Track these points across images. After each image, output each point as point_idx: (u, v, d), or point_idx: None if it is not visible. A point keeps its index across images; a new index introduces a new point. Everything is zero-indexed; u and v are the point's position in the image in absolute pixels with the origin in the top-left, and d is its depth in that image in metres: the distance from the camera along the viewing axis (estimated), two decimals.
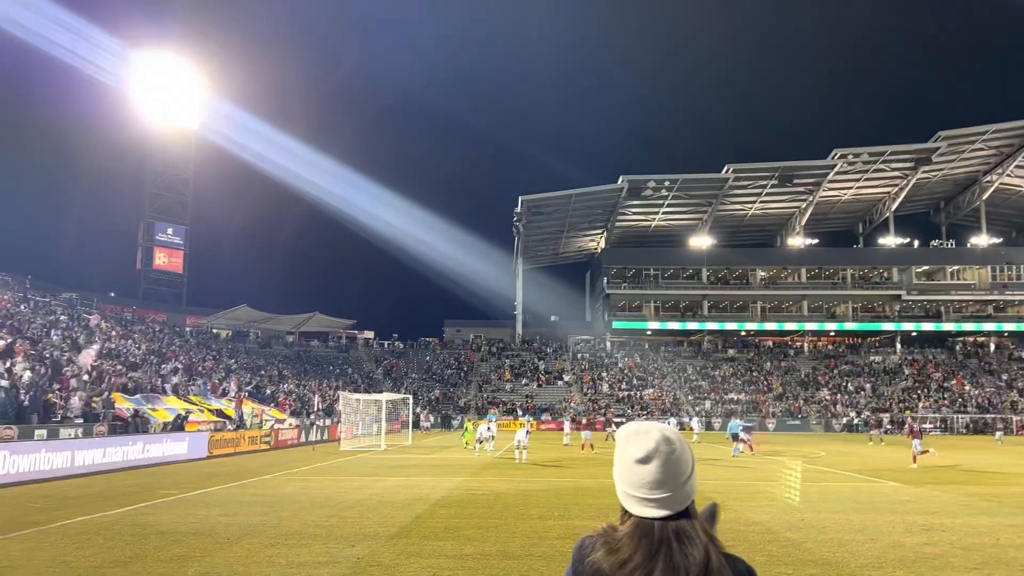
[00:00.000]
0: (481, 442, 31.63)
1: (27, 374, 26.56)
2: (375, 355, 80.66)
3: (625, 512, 1.80)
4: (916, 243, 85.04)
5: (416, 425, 52.42)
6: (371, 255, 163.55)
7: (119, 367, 35.57)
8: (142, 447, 24.41)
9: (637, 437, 1.80)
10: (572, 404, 66.88)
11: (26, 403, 24.24)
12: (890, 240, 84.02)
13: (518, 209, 75.74)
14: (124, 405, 29.92)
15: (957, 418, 62.27)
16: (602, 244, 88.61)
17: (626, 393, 69.55)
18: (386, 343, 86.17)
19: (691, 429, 46.76)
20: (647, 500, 1.74)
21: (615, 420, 50.97)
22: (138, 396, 32.34)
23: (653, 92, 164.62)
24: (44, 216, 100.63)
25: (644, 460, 1.76)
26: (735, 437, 31.26)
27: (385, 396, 40.35)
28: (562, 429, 43.55)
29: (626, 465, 1.79)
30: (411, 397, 48.01)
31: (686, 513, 1.76)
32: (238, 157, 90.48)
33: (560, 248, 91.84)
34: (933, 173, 79.16)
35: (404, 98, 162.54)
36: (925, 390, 68.86)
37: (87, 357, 33.98)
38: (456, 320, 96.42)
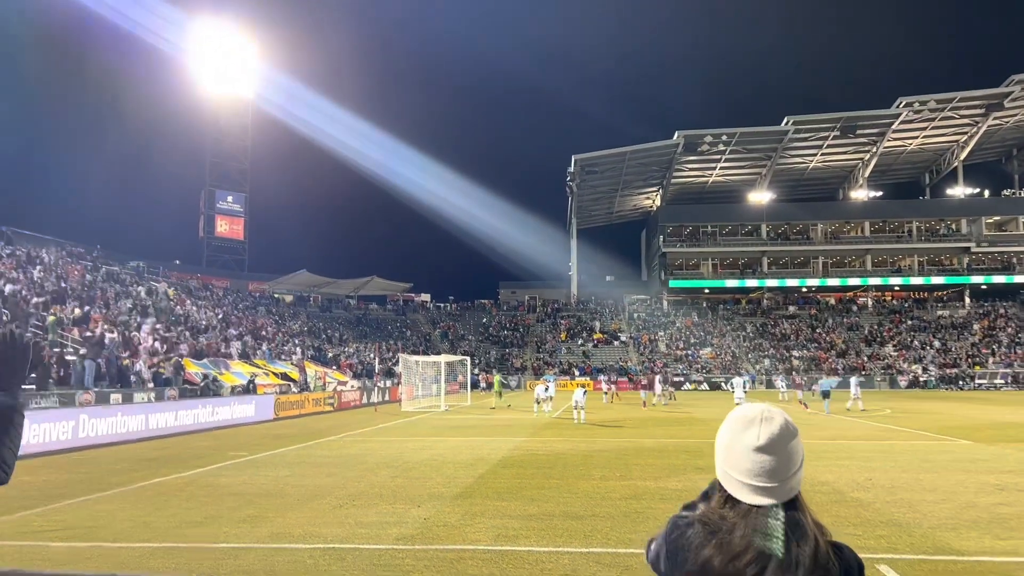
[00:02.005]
0: (539, 402, 31.81)
1: (106, 338, 27.58)
2: (432, 317, 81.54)
3: (728, 497, 1.70)
4: (986, 193, 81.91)
5: (476, 386, 53.08)
6: (426, 218, 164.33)
7: (187, 333, 36.66)
8: (212, 410, 25.21)
9: (760, 424, 1.69)
10: (630, 363, 66.75)
11: (103, 369, 25.20)
12: (958, 191, 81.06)
13: (572, 168, 75.11)
14: (193, 370, 30.88)
15: None
16: (658, 202, 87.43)
17: (684, 352, 69.08)
18: (442, 305, 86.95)
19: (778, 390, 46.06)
20: (760, 488, 1.64)
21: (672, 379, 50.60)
22: (205, 361, 33.34)
23: (709, 45, 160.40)
24: (110, 187, 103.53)
25: (765, 449, 1.65)
26: (826, 395, 31.45)
27: (444, 358, 40.90)
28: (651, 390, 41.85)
29: (742, 452, 1.68)
30: (468, 359, 48.49)
31: (796, 501, 1.67)
32: (292, 127, 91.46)
33: (615, 207, 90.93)
34: (1005, 119, 75.74)
35: (457, 61, 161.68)
36: (996, 345, 66.73)
37: (155, 325, 35.09)
38: (511, 282, 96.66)
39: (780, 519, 1.63)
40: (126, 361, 27.22)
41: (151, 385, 26.61)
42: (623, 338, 73.72)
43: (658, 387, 39.28)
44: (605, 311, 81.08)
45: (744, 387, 31.34)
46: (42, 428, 17.53)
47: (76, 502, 11.21)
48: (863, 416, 28.72)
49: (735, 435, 1.72)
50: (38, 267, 36.16)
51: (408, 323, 78.16)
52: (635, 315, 79.89)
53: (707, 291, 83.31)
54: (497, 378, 40.74)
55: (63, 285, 34.67)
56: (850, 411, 30.72)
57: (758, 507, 1.65)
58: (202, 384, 29.15)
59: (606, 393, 42.38)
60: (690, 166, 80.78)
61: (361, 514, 10.13)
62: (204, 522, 9.67)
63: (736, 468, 1.69)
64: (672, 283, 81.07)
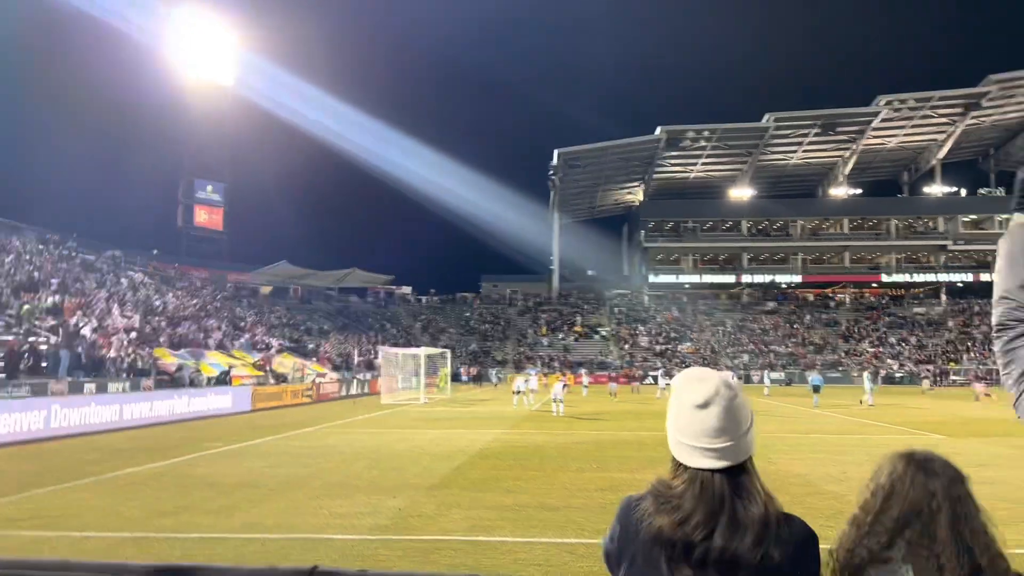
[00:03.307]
0: (519, 393, 31.75)
1: (81, 328, 27.25)
2: (413, 310, 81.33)
3: (679, 465, 1.70)
4: (963, 192, 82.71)
5: (457, 379, 53.07)
6: (408, 210, 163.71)
7: (164, 323, 36.30)
8: (187, 401, 24.99)
9: (697, 382, 1.71)
10: (610, 358, 66.95)
11: (84, 359, 24.90)
12: (936, 189, 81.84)
13: (554, 162, 75.03)
14: (169, 360, 30.57)
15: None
16: (640, 197, 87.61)
17: (664, 347, 69.34)
18: (424, 298, 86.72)
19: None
20: (707, 450, 1.64)
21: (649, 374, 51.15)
22: (183, 351, 33.02)
23: (692, 42, 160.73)
24: (87, 175, 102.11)
25: (704, 405, 1.66)
26: (816, 389, 31.97)
27: (424, 351, 40.76)
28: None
29: (684, 412, 1.69)
30: (449, 352, 48.37)
31: (745, 466, 1.67)
32: (274, 114, 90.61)
33: (597, 201, 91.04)
34: (983, 118, 76.50)
35: (441, 51, 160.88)
36: (971, 342, 67.54)
37: (134, 314, 34.72)
38: (493, 275, 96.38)
39: (728, 482, 1.63)
40: (103, 352, 26.90)
41: (125, 375, 26.32)
42: (603, 332, 73.89)
43: (661, 381, 41.55)
44: (586, 305, 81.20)
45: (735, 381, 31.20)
46: (13, 418, 17.29)
47: (46, 491, 11.06)
48: (838, 411, 28.95)
49: (677, 399, 1.74)
50: (11, 255, 35.65)
51: (389, 315, 77.90)
52: (616, 309, 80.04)
53: (688, 286, 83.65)
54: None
55: (36, 274, 34.19)
56: (863, 406, 30.69)
57: (705, 469, 1.64)
58: (176, 374, 28.84)
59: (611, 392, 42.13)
60: (672, 161, 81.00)
61: (336, 505, 10.07)
62: (176, 512, 9.57)
63: (682, 431, 1.70)
64: (653, 277, 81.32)
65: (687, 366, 39.80)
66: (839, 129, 74.72)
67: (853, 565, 1.81)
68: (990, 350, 64.76)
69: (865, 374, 36.15)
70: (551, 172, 76.91)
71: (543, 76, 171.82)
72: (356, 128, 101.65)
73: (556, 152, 73.85)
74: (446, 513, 9.50)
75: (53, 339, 25.38)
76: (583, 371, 52.18)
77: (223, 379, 31.05)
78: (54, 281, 34.27)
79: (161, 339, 33.21)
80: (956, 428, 21.79)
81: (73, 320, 28.52)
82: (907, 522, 1.75)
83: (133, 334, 31.52)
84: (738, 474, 1.65)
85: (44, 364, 23.67)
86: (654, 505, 1.66)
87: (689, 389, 1.71)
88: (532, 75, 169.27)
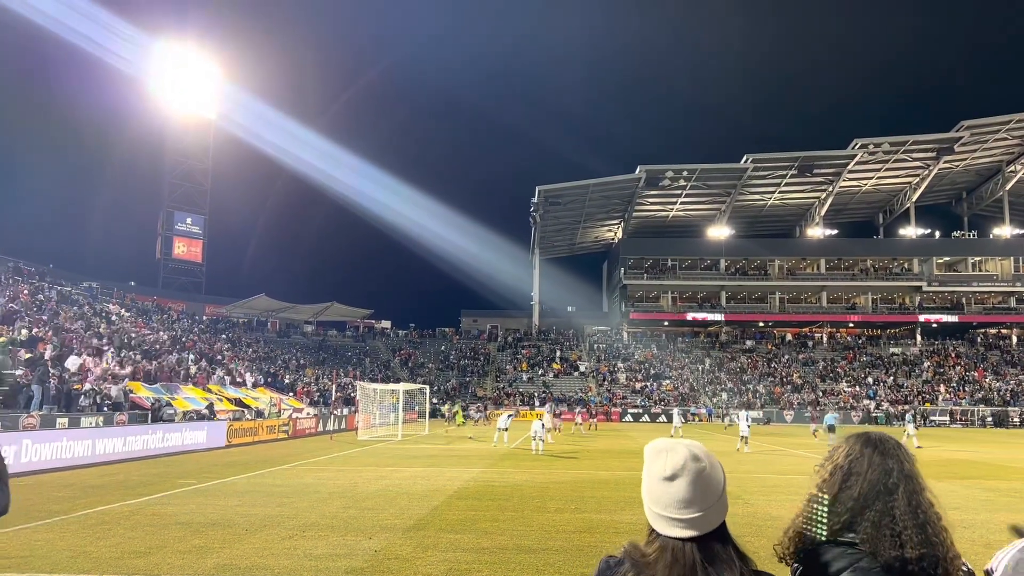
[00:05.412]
0: (505, 429, 31.39)
1: (60, 360, 26.84)
2: (392, 345, 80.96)
3: (653, 532, 1.73)
4: (937, 234, 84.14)
5: (435, 415, 52.71)
6: (388, 244, 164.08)
7: (138, 356, 35.87)
8: (161, 436, 24.64)
9: (664, 454, 1.73)
10: (590, 394, 66.90)
11: (54, 393, 24.50)
12: (911, 231, 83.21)
13: (535, 199, 75.53)
14: (144, 394, 30.18)
15: (977, 410, 61.67)
16: (619, 234, 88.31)
17: (643, 384, 69.40)
18: (403, 332, 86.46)
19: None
20: (676, 520, 1.67)
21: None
22: (158, 385, 32.62)
23: (674, 84, 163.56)
24: (65, 205, 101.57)
25: (671, 478, 1.69)
26: (831, 428, 32.08)
27: (403, 386, 40.58)
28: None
29: (653, 483, 1.72)
30: (427, 387, 48.13)
31: (717, 533, 1.70)
32: (256, 147, 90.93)
33: (577, 238, 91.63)
34: (955, 163, 78.22)
35: (424, 89, 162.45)
36: (946, 382, 68.23)
37: (109, 347, 34.31)
38: (473, 310, 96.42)
39: (699, 551, 1.66)
40: (78, 386, 26.52)
41: (99, 409, 25.92)
42: (582, 368, 73.88)
43: (677, 419, 41.16)
44: (566, 341, 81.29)
45: (748, 420, 30.22)
46: None
47: (13, 531, 10.81)
48: (813, 450, 29.02)
49: (648, 468, 1.77)
50: None
51: (367, 350, 77.50)
52: (595, 346, 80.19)
53: (666, 323, 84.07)
54: (457, 408, 40.66)
55: (12, 305, 33.76)
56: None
57: (677, 538, 1.68)
58: (155, 407, 28.47)
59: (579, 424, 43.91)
60: (651, 200, 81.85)
61: (311, 546, 9.95)
62: (148, 552, 9.42)
63: (653, 501, 1.73)
64: (632, 315, 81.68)
65: (666, 404, 39.61)
66: (816, 171, 76.00)
67: (811, 544, 1.89)
68: (965, 390, 65.73)
69: (908, 415, 36.59)
70: (532, 209, 77.41)
71: (530, 115, 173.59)
72: (337, 163, 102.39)
73: (538, 189, 74.44)
74: (423, 555, 9.41)
75: (24, 372, 24.97)
76: (579, 409, 53.04)
77: (208, 414, 30.70)
78: (29, 313, 33.85)
79: (136, 373, 32.79)
80: (937, 470, 21.87)
81: (47, 353, 28.11)
82: (868, 502, 1.84)
83: (108, 367, 31.13)
84: (710, 541, 1.68)
85: (18, 397, 23.28)
86: (633, 573, 1.69)
87: (657, 461, 1.74)
88: (514, 113, 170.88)
